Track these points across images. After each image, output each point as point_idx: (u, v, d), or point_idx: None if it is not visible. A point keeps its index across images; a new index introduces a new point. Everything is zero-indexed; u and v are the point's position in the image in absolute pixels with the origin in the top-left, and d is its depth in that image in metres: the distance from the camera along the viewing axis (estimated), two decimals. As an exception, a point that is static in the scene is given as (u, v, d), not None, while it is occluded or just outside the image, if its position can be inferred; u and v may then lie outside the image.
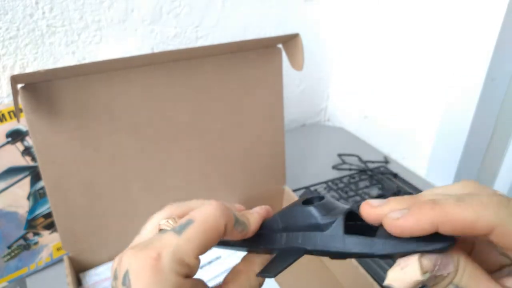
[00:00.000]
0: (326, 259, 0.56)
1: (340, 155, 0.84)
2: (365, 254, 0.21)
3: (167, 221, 0.24)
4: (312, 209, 0.24)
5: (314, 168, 0.80)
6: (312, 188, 0.72)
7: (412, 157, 0.81)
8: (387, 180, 0.75)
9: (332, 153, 0.85)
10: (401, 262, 0.20)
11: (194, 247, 0.21)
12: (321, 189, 0.72)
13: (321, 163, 0.82)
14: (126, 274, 0.21)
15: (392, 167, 0.80)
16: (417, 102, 0.77)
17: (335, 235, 0.23)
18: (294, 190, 0.69)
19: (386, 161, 0.83)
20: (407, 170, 0.80)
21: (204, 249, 0.22)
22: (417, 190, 0.72)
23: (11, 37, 0.60)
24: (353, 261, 0.49)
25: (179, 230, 0.22)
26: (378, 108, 0.88)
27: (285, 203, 0.64)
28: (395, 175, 0.77)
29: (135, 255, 0.21)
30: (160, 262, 0.20)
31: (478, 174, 0.75)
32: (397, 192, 0.70)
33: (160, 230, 0.24)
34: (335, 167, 0.80)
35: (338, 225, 0.23)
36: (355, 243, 0.22)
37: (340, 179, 0.75)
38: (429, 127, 0.75)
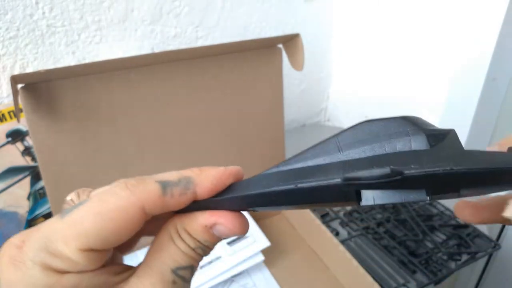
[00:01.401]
0: (326, 259, 0.56)
1: (340, 155, 0.84)
2: (492, 169, 0.16)
3: (71, 199, 0.19)
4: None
5: (314, 168, 0.80)
6: (312, 188, 0.72)
7: (412, 157, 0.81)
8: (387, 180, 0.75)
9: (332, 153, 0.85)
10: None
11: (76, 235, 0.16)
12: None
13: (321, 163, 0.82)
14: None
15: (392, 167, 0.80)
16: (417, 102, 0.77)
17: (452, 149, 0.16)
18: (294, 190, 0.69)
19: (386, 161, 0.83)
20: (407, 170, 0.80)
21: (97, 238, 0.16)
22: (417, 190, 0.72)
23: (11, 37, 0.60)
24: (354, 261, 0.49)
25: (65, 212, 0.17)
26: (378, 108, 0.88)
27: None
28: (395, 175, 0.77)
29: (6, 243, 0.17)
30: (21, 252, 0.16)
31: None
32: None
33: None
34: (335, 167, 0.80)
35: (455, 138, 0.17)
36: (477, 156, 0.16)
37: (340, 179, 0.75)
38: (429, 127, 0.75)
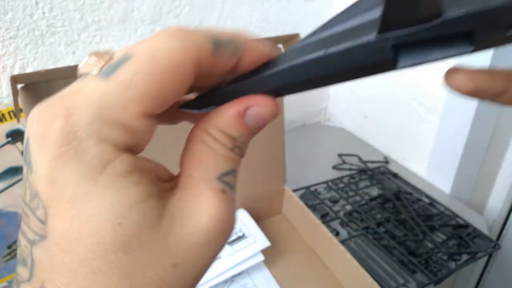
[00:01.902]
0: (326, 259, 0.56)
1: (340, 155, 0.84)
2: None
3: (93, 58, 0.15)
4: None
5: (314, 168, 0.80)
6: (312, 188, 0.72)
7: (412, 157, 0.81)
8: (387, 180, 0.75)
9: (332, 153, 0.85)
10: None
11: (134, 97, 0.14)
12: (321, 189, 0.72)
13: (321, 163, 0.82)
14: (27, 145, 0.14)
15: (392, 167, 0.80)
16: (417, 102, 0.77)
17: None
18: (294, 190, 0.69)
19: (386, 161, 0.83)
20: (407, 170, 0.80)
21: (156, 101, 0.14)
22: (417, 190, 0.72)
23: (11, 37, 0.60)
24: (354, 261, 0.49)
25: (106, 72, 0.14)
26: (378, 108, 0.88)
27: (285, 203, 0.64)
28: (395, 175, 0.77)
29: (37, 115, 0.14)
30: (69, 121, 0.13)
31: (478, 174, 0.75)
32: (397, 192, 0.70)
33: (81, 75, 0.16)
34: (335, 167, 0.80)
35: None
36: None
37: (340, 179, 0.75)
38: (429, 127, 0.75)
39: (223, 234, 0.16)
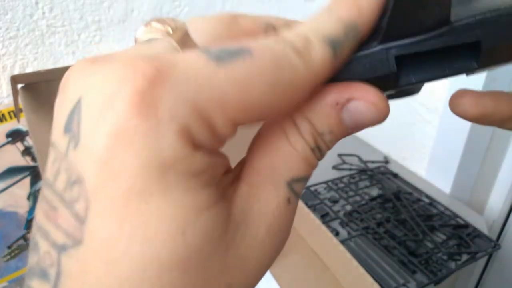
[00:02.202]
0: (326, 259, 0.56)
1: (340, 155, 0.84)
2: None
3: (157, 24, 0.14)
4: None
5: (314, 168, 0.80)
6: (312, 188, 0.72)
7: (412, 157, 0.81)
8: (387, 180, 0.75)
9: (332, 153, 0.85)
10: None
11: (242, 102, 0.11)
12: (321, 189, 0.72)
13: (321, 163, 0.81)
14: (75, 109, 0.11)
15: (392, 167, 0.80)
16: (417, 102, 0.77)
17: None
18: (294, 190, 0.69)
19: (386, 161, 0.83)
20: (407, 170, 0.80)
21: (260, 115, 0.12)
22: (417, 191, 0.72)
23: (11, 37, 0.60)
24: (354, 261, 0.49)
25: (218, 56, 0.11)
26: (378, 108, 0.88)
27: (285, 203, 0.64)
28: (395, 175, 0.77)
29: (108, 66, 0.11)
30: (157, 90, 0.10)
31: (478, 175, 0.75)
32: (397, 192, 0.70)
33: (136, 40, 0.14)
34: (335, 167, 0.80)
35: None
36: None
37: (340, 179, 0.75)
38: (429, 127, 0.75)
39: (276, 250, 0.14)
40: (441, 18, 0.13)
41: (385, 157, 0.84)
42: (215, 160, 0.12)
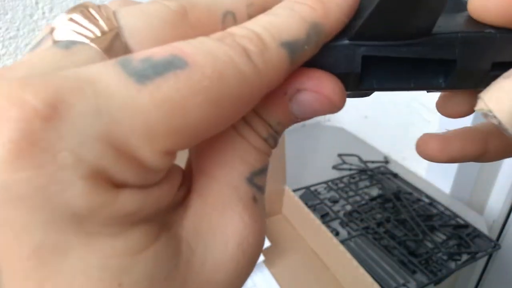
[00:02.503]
0: (326, 259, 0.56)
1: (340, 155, 0.84)
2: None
3: (79, 17, 0.11)
4: None
5: (314, 168, 0.80)
6: (312, 188, 0.72)
7: (412, 157, 0.81)
8: (387, 180, 0.75)
9: (332, 153, 0.85)
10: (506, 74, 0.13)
11: (174, 128, 0.09)
12: (321, 189, 0.72)
13: (321, 163, 0.82)
14: None
15: (392, 167, 0.80)
16: (417, 102, 0.77)
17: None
18: (294, 190, 0.69)
19: (386, 161, 0.83)
20: (407, 170, 0.80)
21: (198, 138, 0.10)
22: (417, 191, 0.72)
23: (11, 37, 0.60)
24: (354, 261, 0.49)
25: (141, 72, 0.09)
26: (378, 108, 0.88)
27: (285, 203, 0.64)
28: (395, 175, 0.77)
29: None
30: (50, 129, 0.08)
31: (478, 175, 0.75)
32: (397, 192, 0.70)
33: (55, 42, 0.11)
34: (335, 167, 0.80)
35: None
36: None
37: (340, 179, 0.75)
38: (429, 127, 0.75)
39: (252, 260, 0.12)
40: (424, 27, 0.12)
41: (385, 157, 0.84)
42: (152, 195, 0.10)
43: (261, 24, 0.11)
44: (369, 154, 0.85)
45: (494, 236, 0.77)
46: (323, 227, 0.55)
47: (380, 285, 0.46)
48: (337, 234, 0.62)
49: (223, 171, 0.12)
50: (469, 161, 0.17)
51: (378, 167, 0.80)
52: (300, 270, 0.55)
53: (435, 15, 0.12)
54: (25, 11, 0.60)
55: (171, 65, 0.09)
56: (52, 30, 0.11)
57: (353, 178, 0.76)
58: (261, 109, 0.12)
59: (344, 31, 0.12)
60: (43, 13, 0.61)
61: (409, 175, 0.77)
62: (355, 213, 0.66)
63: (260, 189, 0.12)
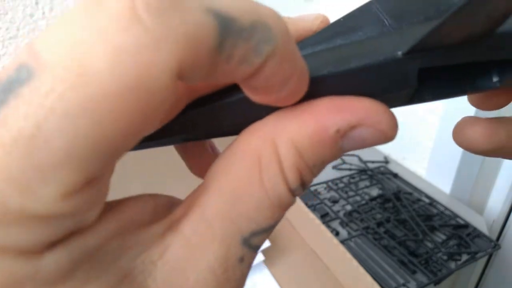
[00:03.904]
0: (326, 259, 0.56)
1: (340, 155, 0.84)
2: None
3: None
4: None
5: (314, 168, 0.80)
6: (312, 188, 0.72)
7: (412, 157, 0.81)
8: (387, 180, 0.75)
9: (332, 153, 0.85)
10: None
11: (50, 163, 0.07)
12: (321, 189, 0.72)
13: (321, 163, 0.82)
14: None
15: (392, 167, 0.80)
16: (417, 102, 0.77)
17: None
18: (294, 190, 0.69)
19: (386, 161, 0.83)
20: (407, 170, 0.80)
21: (96, 162, 0.07)
22: (417, 190, 0.72)
23: (11, 37, 0.60)
24: (354, 261, 0.49)
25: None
26: (378, 108, 0.88)
27: (285, 203, 0.64)
28: (395, 175, 0.77)
29: None
30: None
31: (478, 175, 0.75)
32: (397, 192, 0.70)
33: None
34: (335, 167, 0.80)
35: None
36: None
37: (340, 179, 0.75)
38: (429, 127, 0.75)
39: None
40: (491, 29, 0.10)
41: (385, 157, 0.84)
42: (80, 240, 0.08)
43: None
44: (369, 154, 0.85)
45: (494, 236, 0.77)
46: (323, 227, 0.55)
47: (380, 285, 0.46)
48: (337, 234, 0.62)
49: (224, 225, 0.10)
50: (505, 155, 0.14)
51: (378, 167, 0.80)
52: (300, 270, 0.55)
53: (507, 16, 0.10)
54: (25, 11, 0.60)
55: (14, 83, 0.07)
56: None
57: (353, 178, 0.76)
58: (304, 146, 0.10)
59: (391, 42, 0.11)
60: (43, 13, 0.61)
61: (409, 175, 0.77)
62: (355, 213, 0.66)
63: (254, 248, 0.10)
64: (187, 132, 0.12)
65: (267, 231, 0.10)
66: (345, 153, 0.11)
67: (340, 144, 0.10)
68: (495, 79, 0.12)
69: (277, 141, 0.10)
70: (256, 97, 0.09)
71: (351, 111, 0.10)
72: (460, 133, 0.14)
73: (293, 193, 0.10)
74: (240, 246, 0.10)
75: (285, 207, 0.10)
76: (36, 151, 0.07)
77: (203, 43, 0.07)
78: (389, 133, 0.10)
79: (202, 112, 0.11)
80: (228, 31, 0.08)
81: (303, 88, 0.09)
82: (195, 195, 0.10)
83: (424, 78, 0.11)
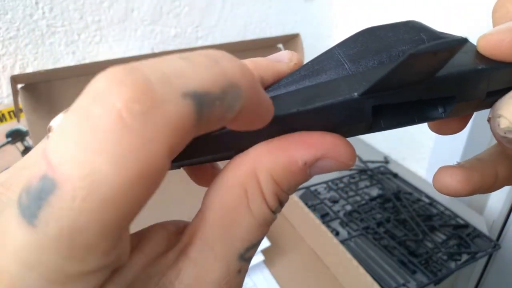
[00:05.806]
0: (326, 259, 0.56)
1: (340, 155, 0.84)
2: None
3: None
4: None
5: (314, 168, 0.80)
6: (312, 188, 0.72)
7: (412, 158, 0.81)
8: (387, 180, 0.75)
9: (332, 153, 0.85)
10: None
11: (82, 252, 0.09)
12: (321, 189, 0.72)
13: (321, 163, 0.82)
14: None
15: (392, 167, 0.80)
16: (417, 102, 0.77)
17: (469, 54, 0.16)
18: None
19: (386, 161, 0.83)
20: (407, 170, 0.80)
21: (112, 240, 0.09)
22: (417, 190, 0.72)
23: (11, 37, 0.60)
24: (354, 261, 0.49)
25: (28, 211, 0.09)
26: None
27: (285, 203, 0.64)
28: (395, 175, 0.77)
29: None
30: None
31: (478, 174, 0.75)
32: (397, 192, 0.70)
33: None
34: (335, 167, 0.80)
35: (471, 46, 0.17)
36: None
37: (340, 179, 0.75)
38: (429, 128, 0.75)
39: None
40: (429, 76, 0.13)
41: (385, 157, 0.84)
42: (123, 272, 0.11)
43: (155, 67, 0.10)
44: (369, 154, 0.85)
45: (494, 236, 0.77)
46: (323, 227, 0.55)
47: (380, 285, 0.46)
48: (337, 234, 0.62)
49: (224, 248, 0.12)
50: (484, 192, 0.17)
51: (378, 167, 0.80)
52: (300, 270, 0.55)
53: (441, 67, 0.13)
54: (25, 11, 0.60)
55: (43, 192, 0.08)
56: (49, 130, 0.13)
57: (353, 178, 0.76)
58: (279, 176, 0.12)
59: (342, 87, 0.13)
60: (43, 13, 0.61)
61: (409, 175, 0.77)
62: (355, 213, 0.66)
63: (248, 260, 0.13)
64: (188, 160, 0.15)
65: (257, 244, 0.13)
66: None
67: (308, 172, 0.13)
68: (440, 110, 0.14)
69: (258, 173, 0.12)
70: (233, 127, 0.11)
71: (316, 146, 0.12)
72: (440, 182, 0.16)
73: (274, 212, 0.13)
74: (238, 261, 0.12)
75: (269, 223, 0.13)
76: (77, 237, 0.09)
77: (185, 124, 0.09)
78: (348, 163, 0.13)
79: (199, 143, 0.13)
80: (203, 105, 0.09)
81: (270, 115, 0.12)
82: (196, 223, 0.13)
83: (379, 112, 0.14)
